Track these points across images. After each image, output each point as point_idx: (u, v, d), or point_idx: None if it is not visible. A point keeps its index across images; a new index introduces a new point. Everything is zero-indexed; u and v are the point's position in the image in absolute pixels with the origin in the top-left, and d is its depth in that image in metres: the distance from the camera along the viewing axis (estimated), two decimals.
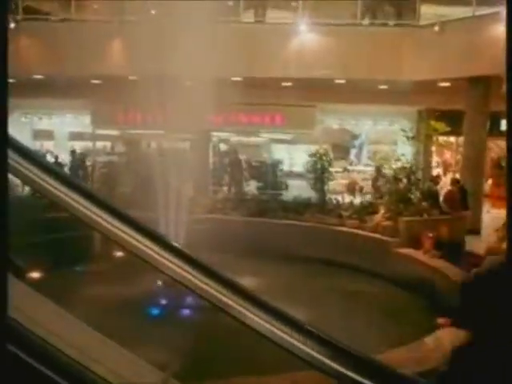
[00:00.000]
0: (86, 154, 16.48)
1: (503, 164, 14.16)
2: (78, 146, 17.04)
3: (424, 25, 11.80)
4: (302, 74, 11.81)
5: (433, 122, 12.09)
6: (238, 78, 12.01)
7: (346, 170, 14.35)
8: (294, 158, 18.97)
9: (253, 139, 17.73)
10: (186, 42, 11.35)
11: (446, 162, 14.56)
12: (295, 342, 1.54)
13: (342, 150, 15.92)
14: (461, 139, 14.24)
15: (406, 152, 14.81)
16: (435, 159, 14.28)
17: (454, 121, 13.87)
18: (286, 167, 17.21)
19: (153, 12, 14.30)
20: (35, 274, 9.30)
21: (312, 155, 11.44)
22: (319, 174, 10.94)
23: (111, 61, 12.23)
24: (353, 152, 15.51)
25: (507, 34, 2.11)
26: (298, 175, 18.63)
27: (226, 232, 9.65)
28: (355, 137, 15.46)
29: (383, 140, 15.32)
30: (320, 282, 9.35)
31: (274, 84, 12.53)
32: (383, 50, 11.76)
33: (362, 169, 14.90)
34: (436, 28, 11.27)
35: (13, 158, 2.18)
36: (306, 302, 7.51)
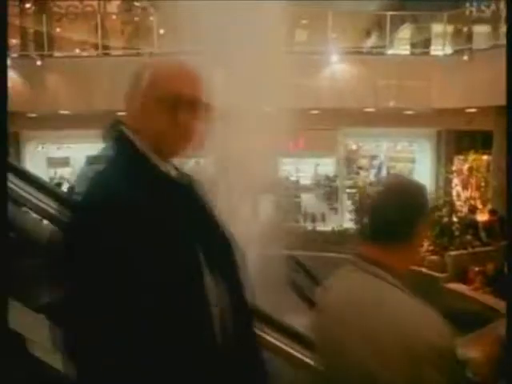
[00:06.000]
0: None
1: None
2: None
3: (453, 53, 12.00)
4: (333, 104, 11.92)
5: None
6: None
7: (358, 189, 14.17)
8: (300, 170, 18.99)
9: None
10: (216, 73, 11.33)
11: (463, 180, 14.82)
12: None
13: (352, 163, 16.06)
14: (476, 157, 14.65)
15: (423, 169, 15.13)
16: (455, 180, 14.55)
17: (473, 141, 14.20)
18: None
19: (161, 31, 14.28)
20: None
21: (350, 187, 11.58)
22: (357, 207, 11.06)
23: None
24: (372, 172, 15.68)
25: (507, 35, 2.21)
26: (307, 188, 18.69)
27: (264, 267, 9.67)
28: (374, 157, 15.62)
29: (401, 159, 15.53)
30: None
31: (303, 112, 12.61)
32: (412, 79, 11.92)
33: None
34: (465, 57, 11.46)
35: (12, 181, 2.18)
36: None
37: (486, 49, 11.59)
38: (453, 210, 10.28)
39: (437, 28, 14.15)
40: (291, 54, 12.99)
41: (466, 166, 14.95)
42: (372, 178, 15.38)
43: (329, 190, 18.54)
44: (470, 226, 10.20)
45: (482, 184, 14.66)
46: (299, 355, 2.35)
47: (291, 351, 2.35)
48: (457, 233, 10.05)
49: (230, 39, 10.39)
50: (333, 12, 13.39)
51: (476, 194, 14.13)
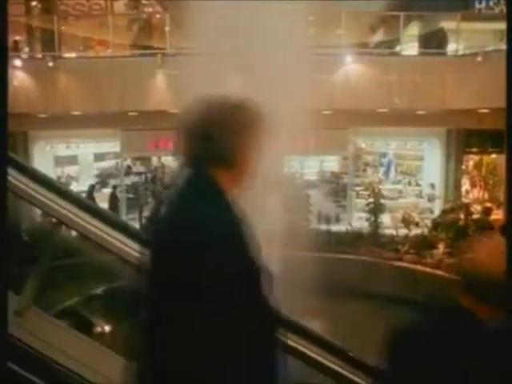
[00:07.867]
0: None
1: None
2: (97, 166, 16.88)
3: (467, 54, 11.99)
4: (346, 105, 11.89)
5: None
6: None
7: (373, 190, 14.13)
8: (305, 166, 18.88)
9: None
10: (230, 72, 11.27)
11: (472, 178, 14.91)
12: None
13: (360, 160, 16.04)
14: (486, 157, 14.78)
15: (431, 167, 15.16)
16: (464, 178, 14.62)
17: (483, 140, 14.26)
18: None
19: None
20: (106, 327, 9.22)
21: (364, 189, 11.61)
22: (372, 207, 11.09)
23: (152, 96, 12.08)
24: (381, 170, 15.71)
25: (508, 35, 2.23)
26: (311, 184, 18.63)
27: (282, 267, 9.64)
28: (383, 155, 15.64)
29: (409, 156, 15.54)
30: (393, 322, 9.46)
31: (316, 112, 12.59)
32: (425, 80, 11.90)
33: (391, 187, 15.04)
34: (479, 58, 11.45)
35: (12, 175, 2.16)
36: None
37: (498, 50, 11.58)
38: (468, 212, 10.32)
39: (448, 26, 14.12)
40: (305, 54, 12.97)
41: (471, 163, 15.04)
42: (381, 175, 15.43)
43: (335, 187, 18.55)
44: (484, 227, 10.23)
45: (490, 182, 14.76)
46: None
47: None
48: (471, 234, 10.07)
49: (243, 39, 10.32)
50: (338, 9, 13.36)
51: (486, 195, 14.22)
